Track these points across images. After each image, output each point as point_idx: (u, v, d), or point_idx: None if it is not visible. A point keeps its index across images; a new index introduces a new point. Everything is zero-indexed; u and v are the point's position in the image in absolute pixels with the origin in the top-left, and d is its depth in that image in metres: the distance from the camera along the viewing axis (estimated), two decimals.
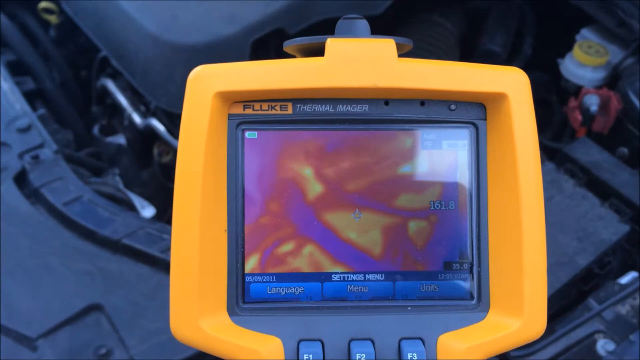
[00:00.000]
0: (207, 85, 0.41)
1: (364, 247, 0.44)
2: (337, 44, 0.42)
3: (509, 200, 0.43)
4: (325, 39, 0.43)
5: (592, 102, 1.33)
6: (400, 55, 0.43)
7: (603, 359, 0.97)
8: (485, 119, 0.44)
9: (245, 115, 0.43)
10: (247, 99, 0.43)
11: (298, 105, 0.43)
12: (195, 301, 0.41)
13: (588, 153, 1.25)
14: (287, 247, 0.44)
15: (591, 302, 1.05)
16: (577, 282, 1.12)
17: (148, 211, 1.29)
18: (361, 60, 0.42)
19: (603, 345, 0.99)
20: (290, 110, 0.43)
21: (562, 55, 1.50)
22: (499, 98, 0.43)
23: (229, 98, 0.42)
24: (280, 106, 0.43)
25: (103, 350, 1.02)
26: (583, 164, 1.23)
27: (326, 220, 0.44)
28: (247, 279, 0.44)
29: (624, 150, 1.33)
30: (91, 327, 1.05)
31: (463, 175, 0.44)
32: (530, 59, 1.62)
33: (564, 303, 1.14)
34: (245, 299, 0.44)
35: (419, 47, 1.51)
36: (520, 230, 0.42)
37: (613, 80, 1.43)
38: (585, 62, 1.42)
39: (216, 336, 0.41)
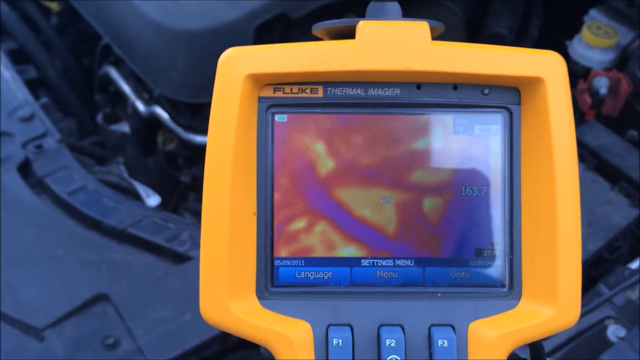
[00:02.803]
0: (238, 68, 0.41)
1: (379, 226, 0.44)
2: (369, 27, 0.41)
3: (544, 187, 0.42)
4: (356, 22, 0.42)
5: (602, 84, 1.31)
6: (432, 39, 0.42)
7: (614, 345, 0.96)
8: (520, 104, 0.43)
9: (276, 98, 0.43)
10: (278, 82, 0.42)
11: (329, 89, 0.43)
12: (225, 285, 0.41)
13: (597, 136, 1.23)
14: (317, 228, 0.43)
15: (601, 287, 1.03)
16: (586, 267, 1.11)
17: (153, 200, 1.28)
18: (394, 43, 0.41)
19: (614, 331, 0.98)
20: (320, 94, 0.43)
21: (570, 37, 1.47)
22: (534, 82, 0.42)
23: (260, 81, 0.42)
24: (311, 89, 0.43)
25: (110, 340, 1.02)
26: (592, 147, 1.21)
27: (360, 202, 0.43)
28: (276, 263, 0.43)
29: (634, 133, 1.31)
30: (98, 317, 1.05)
31: (495, 161, 0.44)
32: (537, 41, 1.59)
33: None
34: (274, 283, 0.43)
35: None
36: (554, 217, 0.41)
37: (622, 61, 1.41)
38: (594, 43, 1.40)
39: (246, 319, 0.41)
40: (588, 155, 1.21)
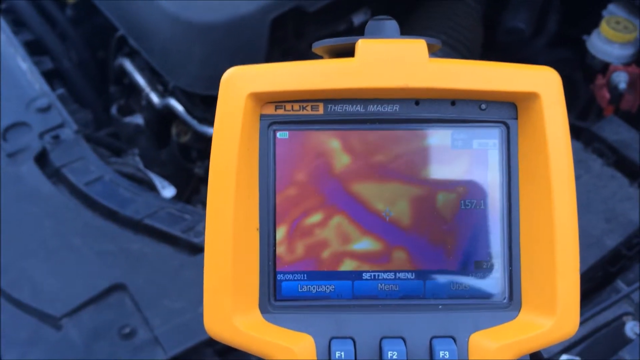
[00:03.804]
0: (240, 87, 0.42)
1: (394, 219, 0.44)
2: (368, 45, 0.42)
3: (541, 199, 0.42)
4: (355, 40, 0.43)
5: (621, 79, 1.30)
6: (430, 55, 0.43)
7: (632, 342, 0.95)
8: (517, 118, 0.44)
9: (277, 115, 0.44)
10: (279, 100, 0.43)
11: (329, 106, 0.44)
12: (228, 299, 0.42)
13: (616, 132, 1.22)
14: (319, 225, 0.44)
15: (619, 284, 1.03)
16: (604, 263, 1.11)
17: (168, 191, 1.29)
18: (392, 61, 0.42)
19: (632, 327, 0.97)
20: (321, 111, 0.44)
21: (588, 32, 1.46)
22: (530, 97, 0.43)
23: (262, 99, 0.43)
24: (312, 106, 0.44)
25: (127, 330, 1.02)
26: (611, 143, 1.20)
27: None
28: (279, 277, 0.44)
29: None
30: (115, 306, 1.05)
31: (493, 175, 0.44)
32: (555, 36, 1.58)
33: (590, 285, 1.12)
34: (277, 297, 0.44)
35: (440, 25, 1.48)
36: (552, 229, 0.42)
37: None
38: (613, 38, 1.38)
39: (249, 334, 0.42)
40: (607, 151, 1.20)
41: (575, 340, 0.97)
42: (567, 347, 0.97)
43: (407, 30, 1.46)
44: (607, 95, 1.33)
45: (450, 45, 1.39)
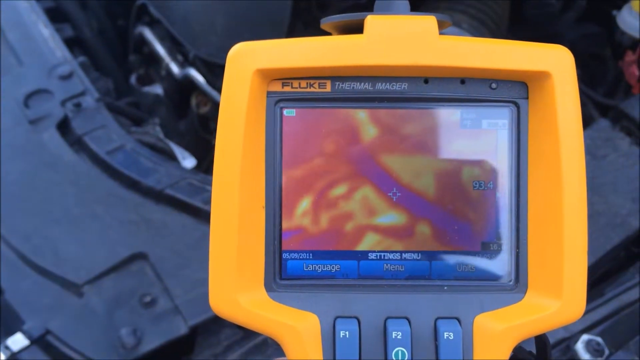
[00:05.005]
0: (247, 63, 0.42)
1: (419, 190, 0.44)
2: (377, 21, 0.42)
3: (550, 181, 0.42)
4: (364, 16, 0.42)
5: None
6: (440, 33, 0.42)
7: None
8: (527, 98, 0.43)
9: (284, 92, 0.43)
10: (286, 77, 0.43)
11: (337, 83, 0.43)
12: (233, 277, 0.42)
13: None
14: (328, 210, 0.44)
15: None
16: (628, 243, 1.09)
17: (189, 162, 1.28)
18: (401, 38, 0.41)
19: None
20: (328, 88, 0.43)
21: (618, 7, 1.42)
22: (542, 77, 0.42)
23: (268, 75, 0.42)
24: (319, 84, 0.43)
25: (148, 298, 1.03)
26: None
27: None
28: (284, 255, 0.44)
29: None
30: (136, 275, 1.06)
31: (502, 155, 0.44)
32: (584, 11, 1.54)
33: (612, 265, 1.11)
34: (282, 275, 0.44)
35: None
36: (561, 212, 0.41)
37: None
38: None
39: (254, 311, 0.42)
40: (635, 130, 1.17)
41: (597, 320, 0.97)
42: (589, 327, 0.96)
43: (434, 3, 1.43)
44: (637, 72, 1.30)
45: (478, 19, 1.36)
